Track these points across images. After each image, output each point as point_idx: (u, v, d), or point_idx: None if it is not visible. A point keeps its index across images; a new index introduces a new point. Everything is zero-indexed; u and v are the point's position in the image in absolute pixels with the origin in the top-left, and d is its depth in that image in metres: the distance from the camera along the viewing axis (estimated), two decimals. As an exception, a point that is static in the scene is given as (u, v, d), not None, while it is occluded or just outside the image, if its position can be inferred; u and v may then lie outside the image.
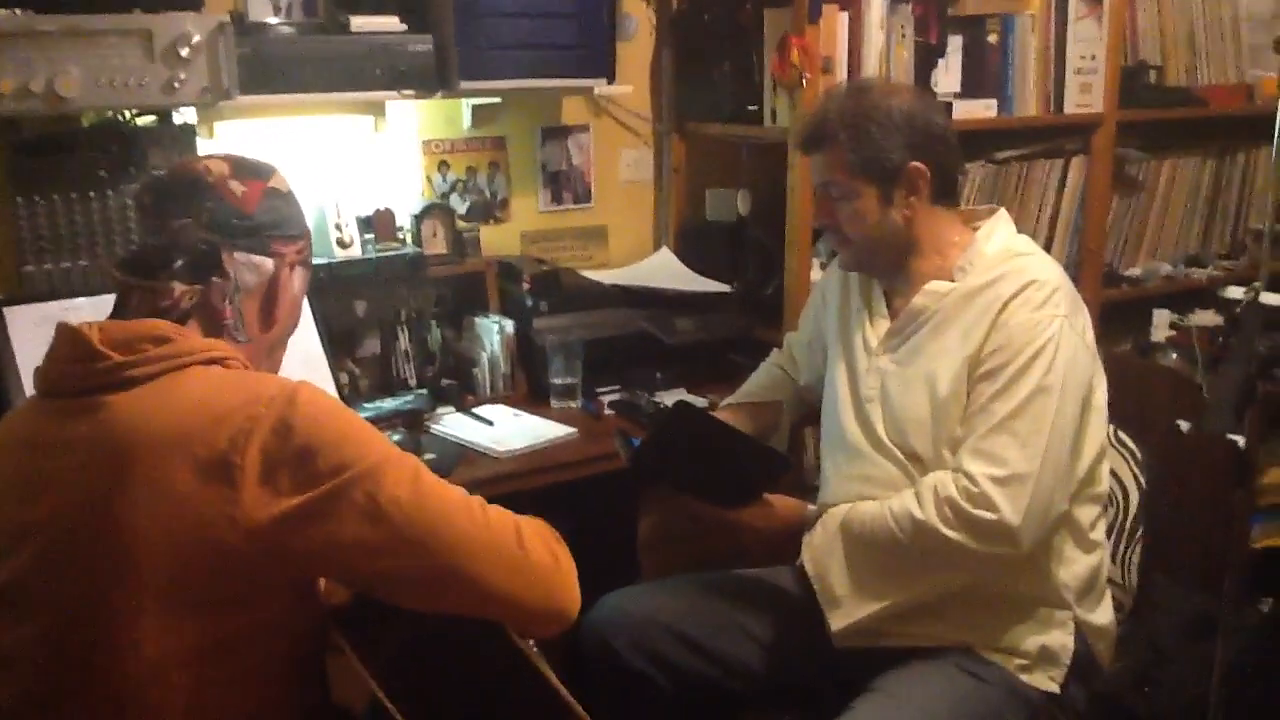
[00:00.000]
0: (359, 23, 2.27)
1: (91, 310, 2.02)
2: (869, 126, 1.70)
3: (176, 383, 1.24)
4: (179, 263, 1.31)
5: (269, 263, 1.38)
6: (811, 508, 1.80)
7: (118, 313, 1.33)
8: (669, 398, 2.42)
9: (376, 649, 1.29)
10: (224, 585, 1.20)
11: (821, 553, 1.73)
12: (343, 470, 1.19)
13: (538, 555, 1.28)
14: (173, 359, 1.25)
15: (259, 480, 1.17)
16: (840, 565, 1.71)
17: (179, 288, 1.31)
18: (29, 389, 1.92)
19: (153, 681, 1.19)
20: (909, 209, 1.73)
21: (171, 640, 1.18)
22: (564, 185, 2.83)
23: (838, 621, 1.70)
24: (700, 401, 2.38)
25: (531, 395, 2.51)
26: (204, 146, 2.25)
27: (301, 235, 1.43)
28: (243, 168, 1.38)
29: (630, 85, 2.70)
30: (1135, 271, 3.14)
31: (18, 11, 1.87)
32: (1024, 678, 1.69)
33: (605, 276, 2.69)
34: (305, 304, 2.12)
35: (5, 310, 2.00)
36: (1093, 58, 2.87)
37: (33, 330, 2.00)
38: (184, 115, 2.24)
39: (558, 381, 2.43)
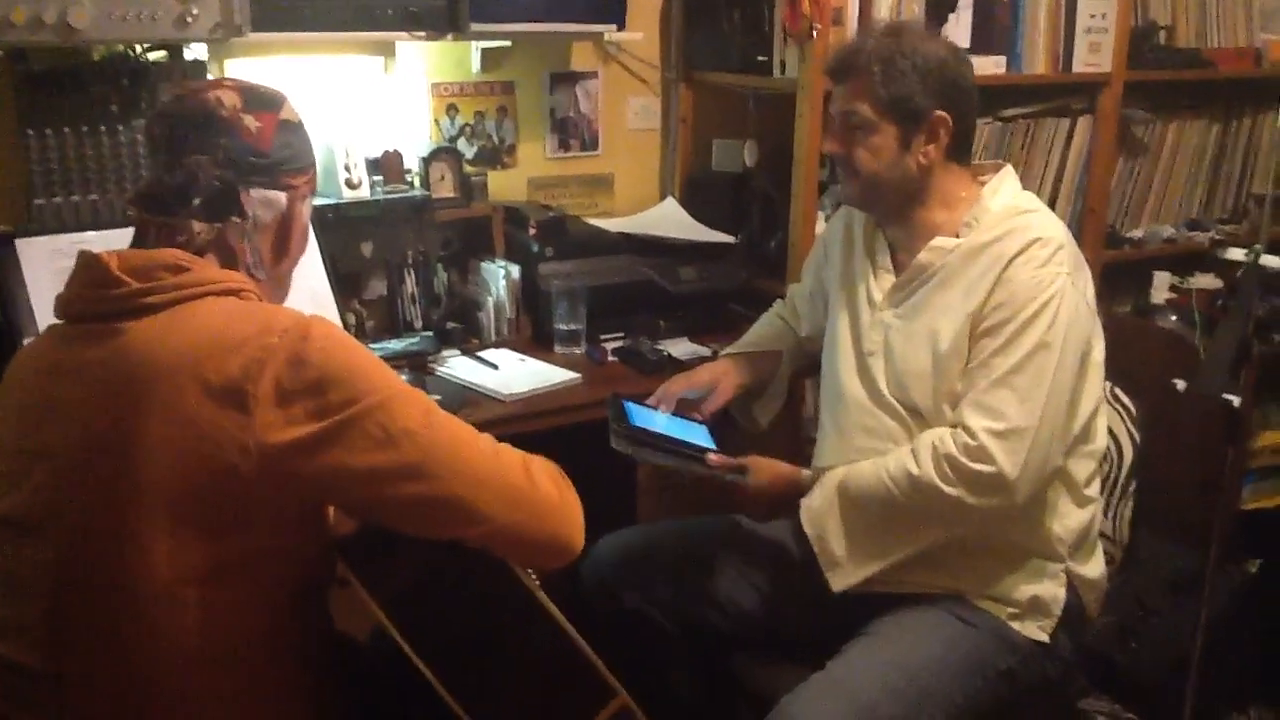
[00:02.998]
0: (371, -38, 2.26)
1: (102, 244, 2.01)
2: (903, 65, 1.70)
3: (192, 311, 1.25)
4: (196, 201, 1.32)
5: (283, 197, 1.39)
6: (806, 472, 1.82)
7: (136, 246, 1.34)
8: (672, 345, 2.45)
9: (382, 580, 1.32)
10: (232, 509, 1.22)
11: (820, 515, 1.75)
12: (356, 401, 1.22)
13: (544, 489, 1.32)
14: (189, 288, 1.26)
15: (272, 408, 1.19)
16: (839, 527, 1.73)
17: (196, 225, 1.32)
18: (40, 320, 1.97)
19: (163, 601, 1.22)
20: (924, 157, 1.74)
21: (181, 561, 1.21)
22: (571, 132, 2.83)
23: (838, 582, 1.73)
24: (704, 351, 2.40)
25: (535, 340, 2.53)
26: (214, 83, 2.26)
27: (311, 165, 1.44)
28: (254, 98, 1.37)
29: (640, 32, 2.69)
30: (1137, 233, 3.14)
31: (31, -58, 1.86)
32: (1014, 625, 1.72)
33: (611, 224, 2.71)
34: (314, 244, 2.16)
35: (17, 242, 2.01)
36: (1103, 17, 2.86)
37: (44, 263, 2.02)
38: (195, 51, 2.24)
39: (562, 327, 2.45)
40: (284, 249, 1.42)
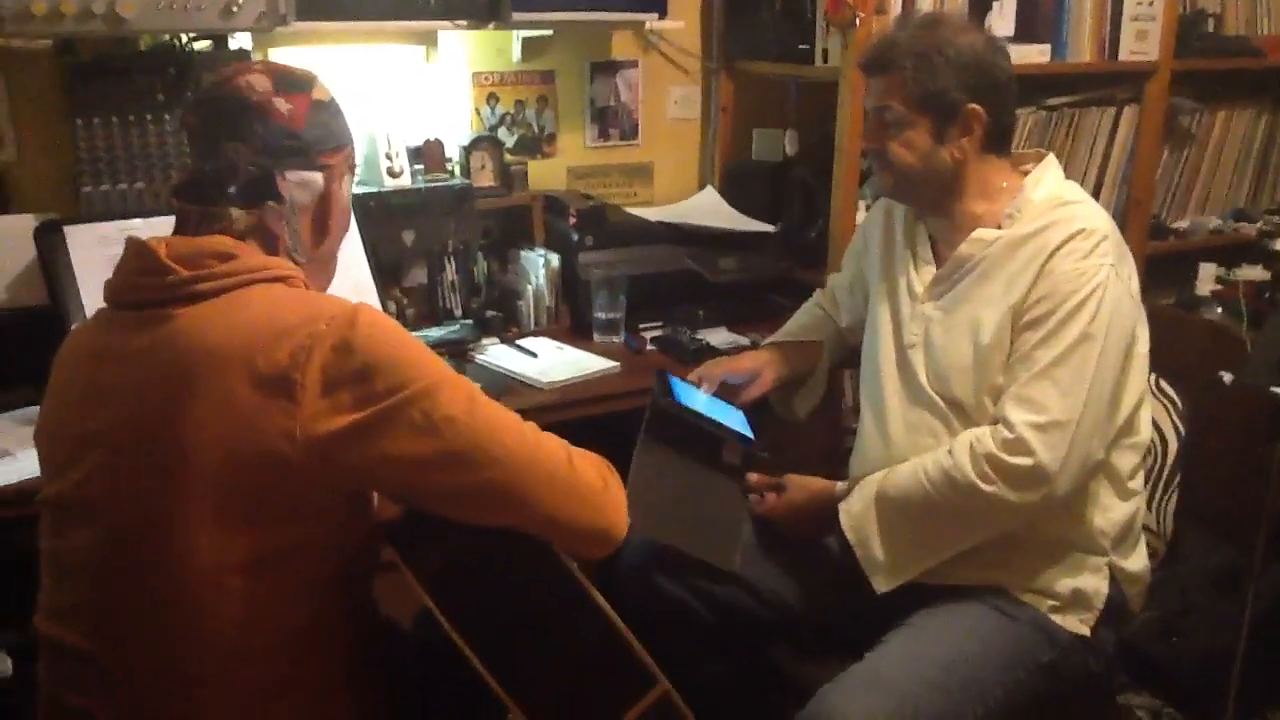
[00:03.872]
0: (414, -49, 2.28)
1: (148, 230, 2.04)
2: (936, 59, 1.69)
3: (241, 299, 1.27)
4: (233, 188, 1.33)
5: (319, 177, 1.39)
6: (840, 485, 1.82)
7: (178, 234, 1.35)
8: (711, 335, 2.45)
9: (428, 564, 1.32)
10: (278, 498, 1.23)
11: (860, 519, 1.75)
12: (401, 389, 1.22)
13: (587, 476, 1.32)
14: (237, 274, 1.28)
15: (318, 396, 1.20)
16: (879, 531, 1.73)
17: (235, 212, 1.33)
18: (87, 305, 2.00)
19: (208, 589, 1.23)
20: (959, 150, 1.73)
21: (226, 549, 1.22)
22: (611, 121, 2.83)
23: (881, 585, 1.73)
24: (742, 341, 2.40)
25: (574, 329, 2.54)
26: (258, 72, 2.28)
27: (347, 141, 1.44)
28: (284, 80, 1.37)
29: (681, 21, 2.69)
30: (1183, 224, 3.11)
31: (81, -66, 1.89)
32: (1055, 618, 1.71)
33: (650, 213, 2.71)
34: (356, 233, 2.18)
35: (65, 229, 2.04)
36: (1150, 4, 2.83)
37: (91, 249, 2.05)
38: (239, 40, 2.26)
39: (601, 316, 2.45)
40: (324, 229, 1.42)
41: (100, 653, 1.27)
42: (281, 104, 1.35)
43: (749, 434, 1.88)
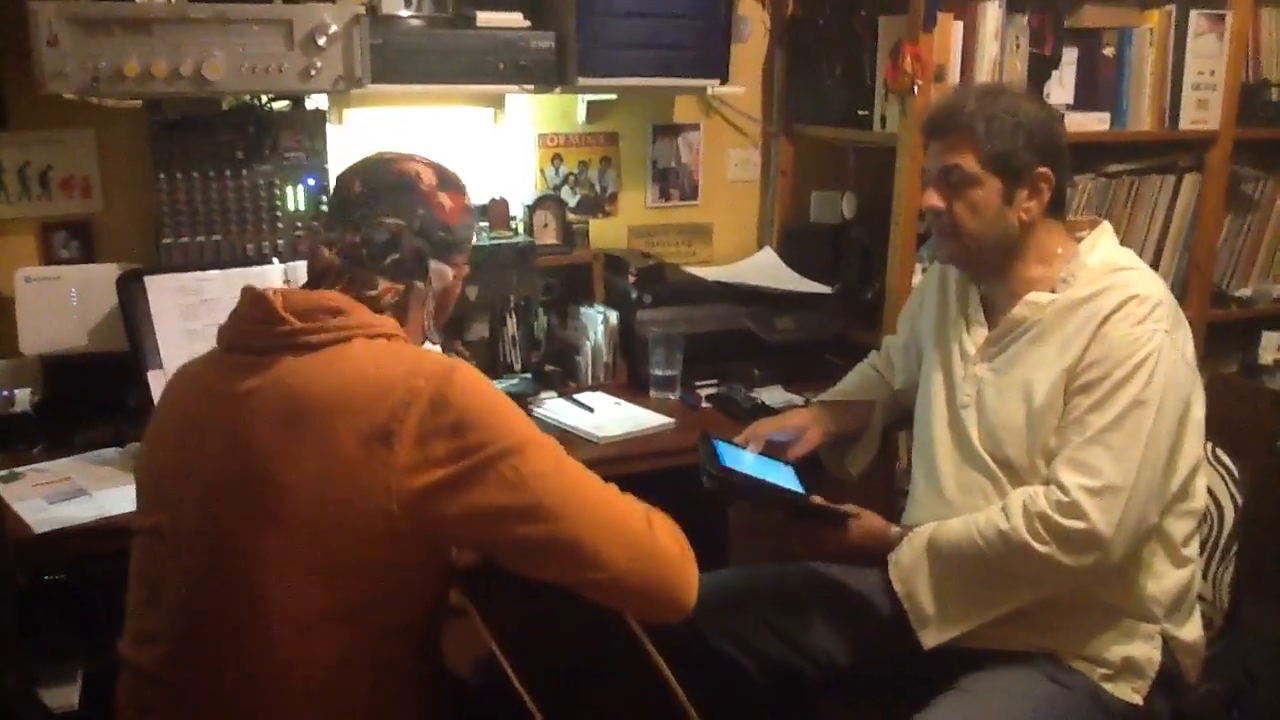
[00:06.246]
0: (485, 18, 2.36)
1: (224, 282, 2.16)
2: (1007, 121, 1.71)
3: (347, 352, 1.32)
4: (389, 260, 1.42)
5: (450, 273, 1.49)
6: (895, 529, 1.82)
7: (312, 285, 1.44)
8: (766, 394, 2.47)
9: (500, 613, 1.35)
10: (372, 549, 1.27)
11: (909, 572, 1.75)
12: (491, 444, 1.26)
13: (664, 542, 1.34)
14: (344, 329, 1.34)
15: (413, 447, 1.25)
16: (928, 584, 1.73)
17: (384, 283, 1.41)
18: (164, 351, 2.07)
19: (292, 632, 1.26)
20: (1026, 213, 1.74)
21: (314, 596, 1.26)
22: (672, 182, 2.89)
23: (929, 640, 1.72)
24: (797, 400, 2.42)
25: (631, 385, 2.57)
26: (333, 132, 2.38)
27: (470, 248, 1.54)
28: (447, 179, 1.49)
29: (742, 86, 2.74)
30: (1245, 292, 3.08)
31: (173, 0, 1.99)
32: (1107, 687, 1.69)
33: (708, 273, 2.75)
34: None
35: (146, 279, 2.13)
36: (1211, 73, 2.84)
37: (169, 298, 2.13)
38: (316, 101, 2.36)
39: (658, 373, 2.48)
40: (440, 319, 1.51)
41: (179, 681, 1.32)
42: (445, 199, 1.47)
43: (800, 489, 1.89)
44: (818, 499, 1.83)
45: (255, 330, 1.35)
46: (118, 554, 1.43)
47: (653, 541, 1.33)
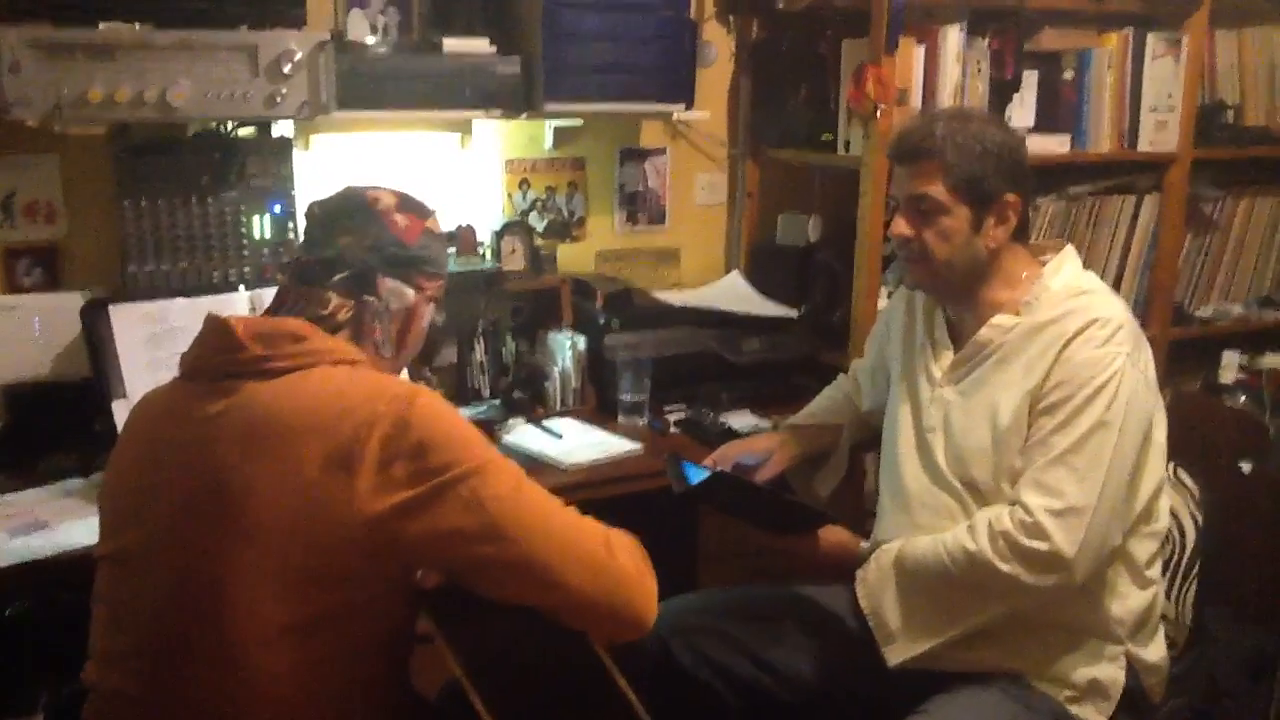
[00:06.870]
0: (451, 44, 2.36)
1: (190, 310, 2.14)
2: (975, 148, 1.72)
3: (309, 377, 1.34)
4: (337, 276, 1.44)
5: (411, 294, 1.50)
6: (864, 544, 1.83)
7: (272, 311, 1.46)
8: (734, 418, 2.48)
9: (464, 637, 1.36)
10: (334, 564, 1.28)
11: (876, 589, 1.76)
12: (452, 467, 1.29)
13: (622, 562, 1.37)
14: (307, 355, 1.36)
15: (375, 470, 1.26)
16: (894, 601, 1.74)
17: (334, 299, 1.43)
18: (129, 380, 2.06)
19: (259, 646, 1.27)
20: (993, 240, 1.76)
21: (281, 610, 1.27)
22: (640, 206, 2.90)
23: (894, 656, 1.73)
24: (764, 424, 2.42)
25: (600, 409, 2.57)
26: (300, 158, 2.37)
27: (442, 275, 1.56)
28: (407, 202, 1.52)
29: (708, 111, 2.75)
30: (1206, 311, 3.12)
31: (137, 26, 1.98)
32: (1072, 709, 1.70)
33: (676, 297, 2.76)
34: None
35: (110, 307, 2.11)
36: (1169, 96, 2.89)
37: (134, 327, 2.12)
38: (282, 128, 2.35)
39: (626, 398, 2.49)
40: (402, 342, 1.52)
41: (149, 699, 1.32)
42: (400, 218, 1.49)
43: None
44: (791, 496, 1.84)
45: (218, 358, 1.37)
46: (81, 585, 1.42)
47: (611, 560, 1.35)
